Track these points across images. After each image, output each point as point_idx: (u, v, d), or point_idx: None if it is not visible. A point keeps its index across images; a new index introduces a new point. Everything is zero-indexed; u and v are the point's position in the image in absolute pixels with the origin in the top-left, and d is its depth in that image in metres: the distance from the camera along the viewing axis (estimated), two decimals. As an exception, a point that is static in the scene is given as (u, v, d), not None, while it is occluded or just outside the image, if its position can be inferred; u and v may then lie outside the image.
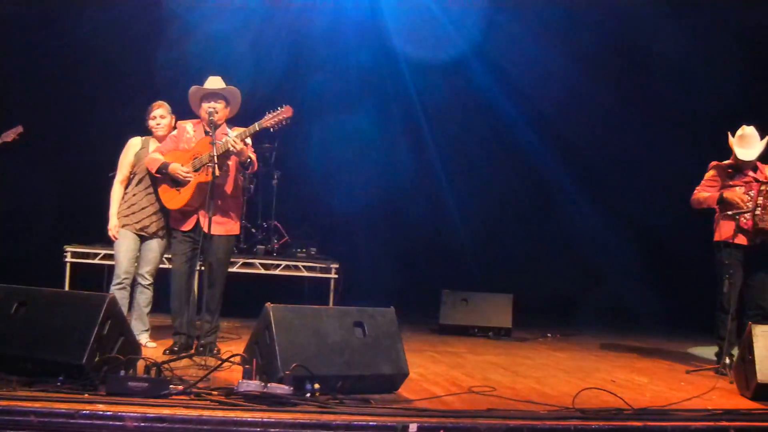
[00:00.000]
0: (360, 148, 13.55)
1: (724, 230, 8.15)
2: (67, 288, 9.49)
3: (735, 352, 7.53)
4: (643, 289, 13.52)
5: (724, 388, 7.16)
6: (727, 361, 7.77)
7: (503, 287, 11.01)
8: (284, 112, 7.08)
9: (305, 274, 10.65)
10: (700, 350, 9.82)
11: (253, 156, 7.40)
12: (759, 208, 7.93)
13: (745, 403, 6.49)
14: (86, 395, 4.98)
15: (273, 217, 11.47)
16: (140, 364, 5.60)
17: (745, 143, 8.17)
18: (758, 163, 8.31)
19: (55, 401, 4.71)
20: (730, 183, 8.26)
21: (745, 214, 7.96)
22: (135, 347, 6.19)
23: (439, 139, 13.79)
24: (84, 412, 4.54)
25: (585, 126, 14.07)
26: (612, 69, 13.47)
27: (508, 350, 9.45)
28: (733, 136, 8.24)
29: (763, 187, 8.00)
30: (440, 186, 13.94)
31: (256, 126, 7.15)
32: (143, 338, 7.71)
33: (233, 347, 7.64)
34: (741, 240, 8.03)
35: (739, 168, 8.27)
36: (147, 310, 7.83)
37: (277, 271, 10.56)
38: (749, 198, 8.02)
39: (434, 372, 7.34)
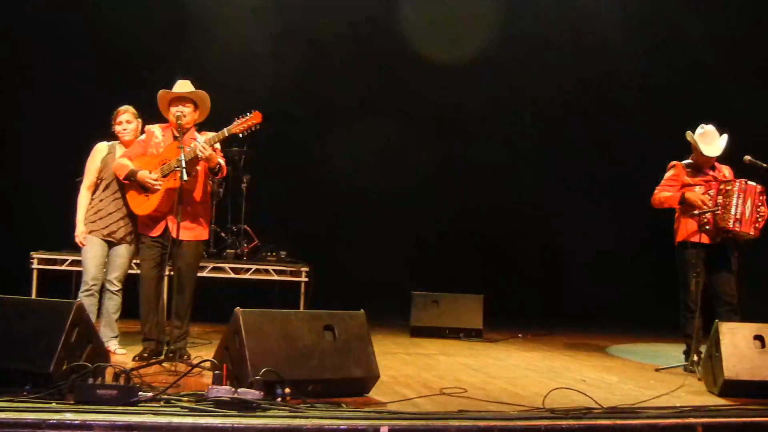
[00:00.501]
0: (330, 150, 13.56)
1: (687, 230, 8.23)
2: (34, 295, 9.43)
3: (702, 349, 7.57)
4: (614, 289, 13.61)
5: (692, 385, 7.19)
6: (695, 358, 7.81)
7: (474, 288, 11.02)
8: (253, 118, 7.07)
9: (275, 277, 10.62)
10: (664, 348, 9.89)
11: (222, 161, 7.38)
12: (720, 208, 8.00)
13: (713, 400, 6.52)
14: (54, 404, 4.91)
15: (243, 221, 11.43)
16: (109, 372, 5.54)
17: (708, 140, 8.24)
18: (716, 163, 8.40)
19: (22, 411, 4.64)
20: (690, 182, 8.33)
21: (707, 214, 8.02)
22: (103, 354, 6.14)
23: (409, 138, 13.77)
24: (51, 421, 4.48)
25: (561, 127, 14.18)
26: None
27: (479, 351, 9.47)
28: (693, 134, 8.32)
29: (722, 186, 8.07)
30: (410, 187, 13.93)
31: (225, 132, 7.12)
32: (112, 345, 7.67)
33: (203, 352, 7.61)
34: (703, 239, 8.09)
35: (699, 167, 8.36)
36: (116, 316, 7.78)
37: (247, 275, 10.52)
38: (710, 197, 8.10)
39: (405, 374, 7.34)
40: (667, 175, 8.52)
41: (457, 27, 13.29)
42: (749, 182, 8.05)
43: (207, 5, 12.49)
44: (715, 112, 8.71)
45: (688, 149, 8.43)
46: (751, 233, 8.02)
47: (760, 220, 8.05)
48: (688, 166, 8.42)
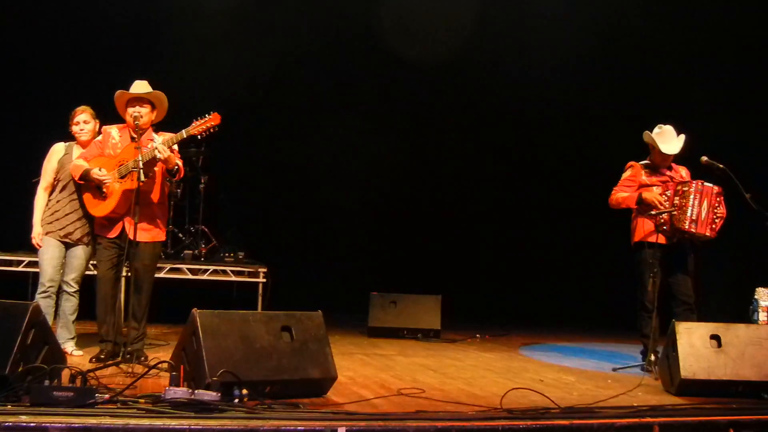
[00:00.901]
0: (287, 150, 13.54)
1: (643, 230, 8.29)
2: (-11, 297, 9.33)
3: (660, 349, 7.65)
4: (571, 289, 13.70)
5: (650, 384, 7.27)
6: (652, 358, 7.88)
7: (432, 289, 11.06)
8: (212, 120, 7.06)
9: (233, 278, 10.57)
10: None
11: (180, 162, 7.36)
12: (676, 208, 8.07)
13: (670, 399, 6.58)
14: (9, 406, 4.88)
15: (200, 222, 11.38)
16: (65, 373, 5.52)
17: (666, 139, 8.31)
18: (673, 163, 8.48)
19: (-23, 413, 4.62)
20: (648, 183, 8.38)
21: (663, 214, 8.09)
22: (60, 356, 6.10)
23: (366, 138, 13.78)
24: (6, 424, 4.45)
25: (521, 130, 14.27)
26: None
27: (437, 352, 9.48)
28: (650, 134, 8.40)
29: (679, 187, 8.13)
30: (368, 188, 13.96)
31: (183, 133, 7.10)
32: (69, 346, 7.62)
33: (161, 354, 7.57)
34: (660, 239, 8.14)
35: (656, 167, 8.42)
36: (73, 317, 7.73)
37: (204, 276, 10.46)
38: (666, 198, 8.16)
39: (363, 375, 7.35)
40: (625, 175, 8.56)
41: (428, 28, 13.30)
42: (706, 183, 8.09)
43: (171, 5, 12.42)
44: (672, 115, 8.75)
45: (645, 150, 8.50)
46: (707, 234, 8.07)
47: (717, 221, 8.09)
48: (645, 166, 8.47)
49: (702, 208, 8.00)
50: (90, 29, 11.83)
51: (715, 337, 6.85)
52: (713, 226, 8.09)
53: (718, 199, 8.09)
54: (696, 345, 6.80)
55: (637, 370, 8.07)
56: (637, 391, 6.92)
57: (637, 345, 8.63)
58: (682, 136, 8.34)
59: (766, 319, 9.21)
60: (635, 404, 6.20)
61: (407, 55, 13.22)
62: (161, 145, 6.99)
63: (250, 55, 12.57)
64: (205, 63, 12.30)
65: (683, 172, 8.53)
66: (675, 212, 8.04)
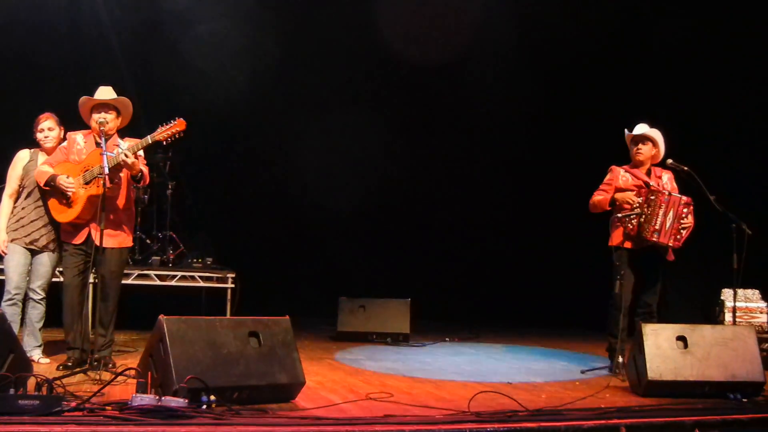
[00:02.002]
0: (254, 155, 13.53)
1: (616, 234, 8.32)
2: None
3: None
4: (541, 291, 13.73)
5: (617, 386, 7.33)
6: (620, 359, 7.93)
7: (401, 293, 11.07)
8: (177, 125, 7.06)
9: (201, 284, 10.55)
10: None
11: (146, 169, 7.35)
12: (643, 215, 8.09)
13: (637, 401, 6.63)
14: (-26, 415, 4.86)
15: (168, 228, 11.34)
16: (31, 381, 5.49)
17: (636, 128, 8.39)
18: (654, 167, 8.51)
19: (-58, 423, 4.59)
20: (623, 187, 8.38)
21: (633, 221, 8.12)
22: (26, 364, 6.06)
23: (334, 143, 13.76)
24: (-29, 433, 4.44)
25: (486, 131, 14.30)
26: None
27: (406, 356, 9.50)
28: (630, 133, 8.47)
29: (650, 196, 8.12)
30: (335, 193, 13.94)
31: (149, 139, 7.10)
32: (36, 354, 7.58)
33: (129, 360, 7.56)
34: (628, 244, 8.19)
35: (634, 172, 8.42)
36: (39, 325, 7.68)
37: (173, 282, 10.42)
38: (638, 202, 8.17)
39: (332, 379, 7.35)
40: (605, 179, 8.57)
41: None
42: (674, 194, 8.09)
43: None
44: (645, 117, 8.78)
45: (626, 155, 8.56)
46: (671, 244, 8.09)
47: (682, 231, 8.09)
48: (626, 171, 8.48)
49: (667, 218, 8.01)
50: (51, 37, 11.74)
51: (682, 339, 6.92)
52: (678, 236, 8.09)
53: (685, 209, 8.08)
54: (663, 346, 6.87)
55: (605, 372, 8.12)
56: (604, 392, 6.97)
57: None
58: (657, 131, 8.38)
59: (731, 319, 9.27)
60: (603, 406, 6.24)
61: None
62: (127, 149, 6.97)
63: (218, 62, 12.55)
64: (172, 68, 12.25)
65: (665, 177, 8.50)
66: (642, 219, 8.06)
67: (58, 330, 7.88)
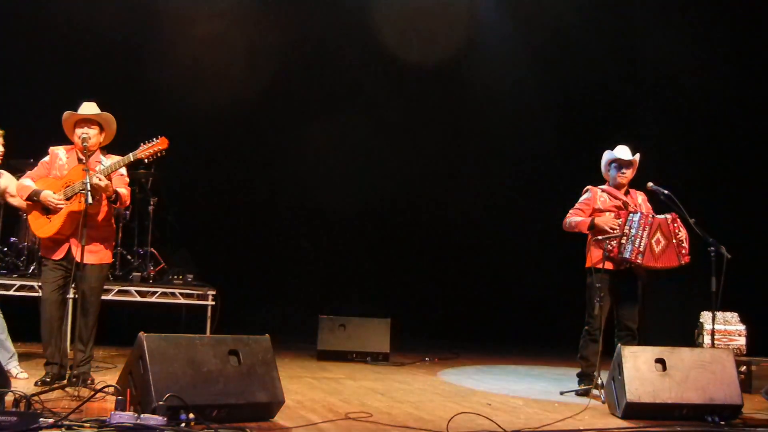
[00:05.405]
0: (236, 172, 13.52)
1: (595, 256, 8.26)
2: None
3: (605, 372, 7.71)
4: (520, 311, 13.77)
5: (596, 408, 7.34)
6: (599, 381, 7.94)
7: (381, 312, 11.07)
8: (159, 144, 7.09)
9: (182, 301, 10.52)
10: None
11: (126, 191, 7.35)
12: (624, 237, 8.07)
13: (616, 422, 6.65)
14: (-49, 432, 4.84)
15: (149, 244, 11.31)
16: (9, 398, 5.47)
17: (619, 150, 8.41)
18: (630, 189, 8.53)
19: None
20: (602, 208, 8.36)
21: (612, 242, 8.12)
22: (3, 379, 6.02)
23: (313, 161, 13.77)
24: (-52, 449, 4.42)
25: (478, 152, 14.35)
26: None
27: (385, 375, 9.48)
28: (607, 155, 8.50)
29: (630, 217, 8.11)
30: (315, 211, 13.95)
31: (131, 156, 7.10)
32: (13, 367, 7.57)
33: (108, 377, 7.52)
34: (608, 266, 8.15)
35: (613, 192, 8.44)
36: (3, 336, 7.71)
37: (153, 299, 10.38)
38: (618, 225, 8.16)
39: (311, 398, 7.33)
40: (581, 198, 8.52)
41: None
42: (656, 216, 8.12)
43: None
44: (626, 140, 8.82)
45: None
46: (683, 262, 8.08)
47: (683, 245, 8.07)
48: (603, 192, 8.47)
49: (652, 240, 8.02)
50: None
51: (660, 361, 6.93)
52: (683, 251, 8.08)
53: (673, 226, 8.09)
54: (641, 369, 6.88)
55: (584, 394, 8.11)
56: (583, 414, 6.98)
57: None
58: (637, 155, 8.41)
59: (710, 342, 9.31)
60: (581, 428, 6.26)
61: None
62: (101, 173, 6.95)
63: (196, 78, 12.55)
64: (152, 83, 12.24)
65: (640, 198, 8.51)
66: (623, 240, 8.07)
67: (37, 344, 7.85)
